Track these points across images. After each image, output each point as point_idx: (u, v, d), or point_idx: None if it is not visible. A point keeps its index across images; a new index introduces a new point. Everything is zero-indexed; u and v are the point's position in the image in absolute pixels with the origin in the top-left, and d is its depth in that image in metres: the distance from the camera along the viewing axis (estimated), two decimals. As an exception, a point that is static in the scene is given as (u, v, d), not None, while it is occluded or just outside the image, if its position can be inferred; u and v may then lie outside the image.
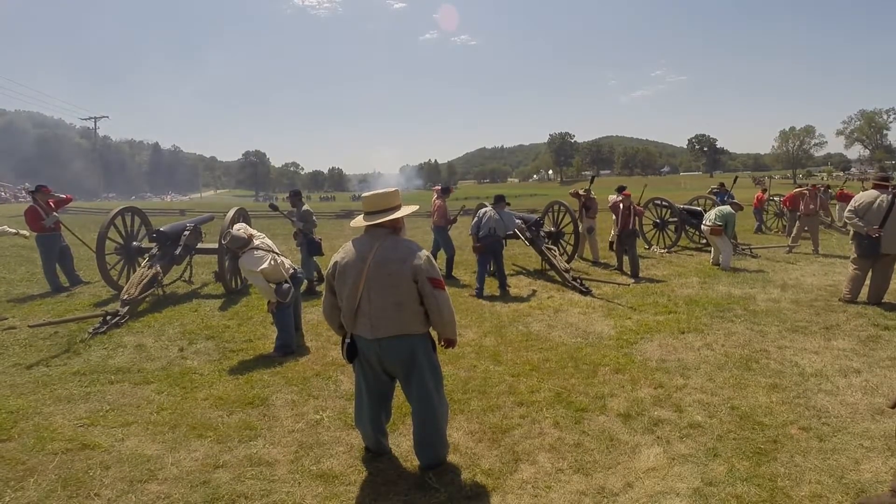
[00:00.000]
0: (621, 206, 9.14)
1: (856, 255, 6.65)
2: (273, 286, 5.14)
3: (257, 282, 5.10)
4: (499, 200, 8.25)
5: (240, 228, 5.23)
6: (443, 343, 3.15)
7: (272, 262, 5.11)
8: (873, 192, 6.55)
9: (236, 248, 5.16)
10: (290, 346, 5.25)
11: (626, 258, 9.16)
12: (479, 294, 7.64)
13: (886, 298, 6.64)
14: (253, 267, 5.02)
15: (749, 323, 6.02)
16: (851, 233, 6.77)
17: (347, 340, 3.02)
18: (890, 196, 6.44)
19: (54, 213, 8.16)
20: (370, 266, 2.91)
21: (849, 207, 6.70)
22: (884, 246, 6.39)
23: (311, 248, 7.99)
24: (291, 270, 5.41)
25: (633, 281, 8.45)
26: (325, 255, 8.10)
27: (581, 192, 10.83)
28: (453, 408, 3.93)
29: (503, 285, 8.06)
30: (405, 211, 3.10)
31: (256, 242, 5.19)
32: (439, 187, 9.83)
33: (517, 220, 8.76)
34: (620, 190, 9.59)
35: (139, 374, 4.74)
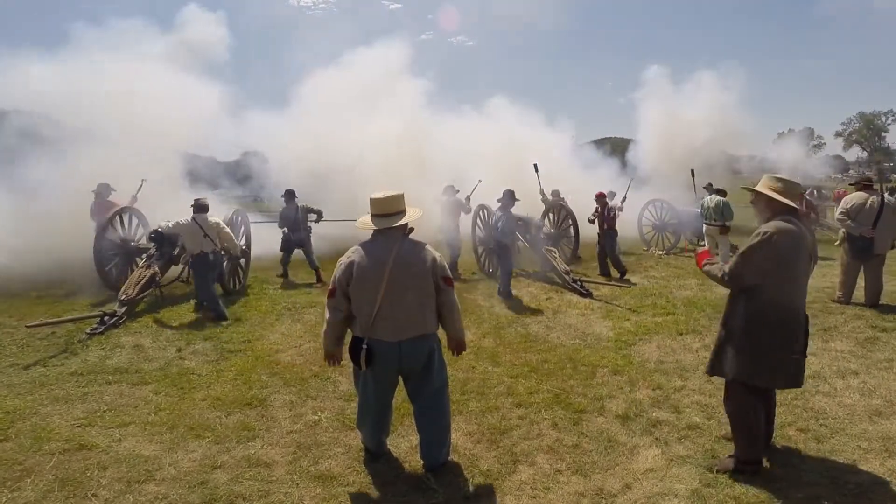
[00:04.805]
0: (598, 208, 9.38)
1: (847, 258, 6.69)
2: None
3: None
4: (507, 197, 7.93)
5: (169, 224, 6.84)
6: (453, 350, 3.16)
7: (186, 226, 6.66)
8: (862, 194, 6.61)
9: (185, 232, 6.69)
10: (221, 314, 6.46)
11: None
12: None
13: (883, 300, 6.66)
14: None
15: (747, 324, 6.02)
16: (840, 237, 6.80)
17: (364, 347, 2.91)
18: (879, 197, 6.52)
19: None
20: (392, 269, 2.88)
21: (839, 210, 6.73)
22: (876, 247, 6.46)
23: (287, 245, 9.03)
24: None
25: (620, 280, 8.51)
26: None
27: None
28: (451, 409, 3.92)
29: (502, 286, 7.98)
30: (415, 213, 3.10)
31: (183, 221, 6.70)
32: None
33: (518, 222, 8.71)
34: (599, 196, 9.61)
35: (137, 375, 4.73)
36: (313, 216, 9.23)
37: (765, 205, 3.04)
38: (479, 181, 10.24)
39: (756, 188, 3.11)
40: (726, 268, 2.96)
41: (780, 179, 3.07)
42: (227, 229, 7.08)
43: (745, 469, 3.00)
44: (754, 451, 3.03)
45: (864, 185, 6.81)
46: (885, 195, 6.90)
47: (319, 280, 8.64)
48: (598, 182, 13.72)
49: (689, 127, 18.78)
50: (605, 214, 9.25)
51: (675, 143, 18.32)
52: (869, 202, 6.46)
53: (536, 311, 6.82)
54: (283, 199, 9.23)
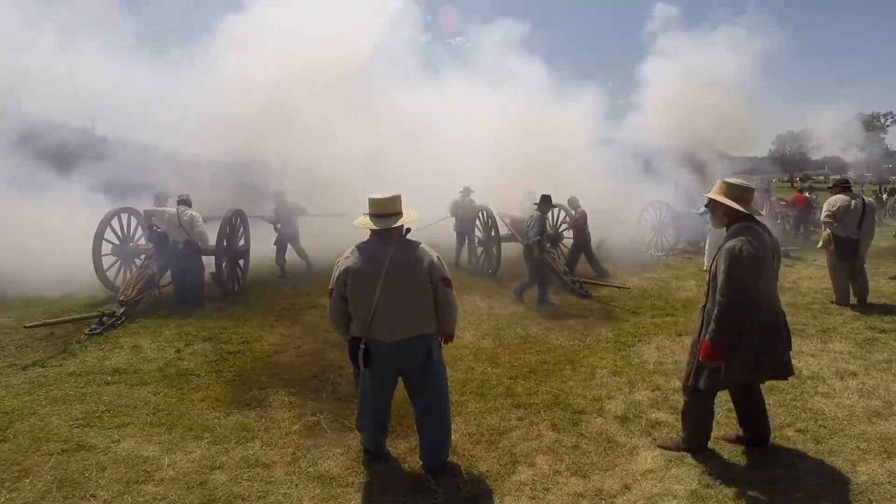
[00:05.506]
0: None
1: (835, 260, 6.74)
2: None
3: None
4: (544, 202, 7.71)
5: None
6: (442, 338, 3.21)
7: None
8: (845, 197, 6.69)
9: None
10: (182, 299, 7.04)
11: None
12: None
13: (882, 301, 6.69)
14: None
15: (746, 325, 6.03)
16: (824, 239, 6.82)
17: (362, 346, 2.94)
18: (860, 200, 6.67)
19: None
20: (388, 269, 2.90)
21: (825, 212, 6.78)
22: (861, 247, 6.60)
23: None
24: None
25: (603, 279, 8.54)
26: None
27: None
28: (451, 410, 3.92)
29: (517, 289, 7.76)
30: (412, 215, 3.11)
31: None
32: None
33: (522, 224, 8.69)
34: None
35: (136, 376, 4.72)
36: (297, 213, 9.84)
37: (723, 212, 3.08)
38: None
39: (712, 195, 3.12)
40: (726, 290, 2.87)
41: (733, 185, 3.08)
42: (201, 226, 7.26)
43: (689, 449, 3.25)
44: (704, 436, 3.28)
45: (842, 187, 6.87)
46: (866, 197, 7.14)
47: (308, 266, 9.59)
48: (600, 183, 13.43)
49: (701, 109, 17.70)
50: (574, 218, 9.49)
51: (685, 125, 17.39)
52: (853, 204, 6.56)
53: (535, 312, 6.82)
54: (272, 198, 9.74)
